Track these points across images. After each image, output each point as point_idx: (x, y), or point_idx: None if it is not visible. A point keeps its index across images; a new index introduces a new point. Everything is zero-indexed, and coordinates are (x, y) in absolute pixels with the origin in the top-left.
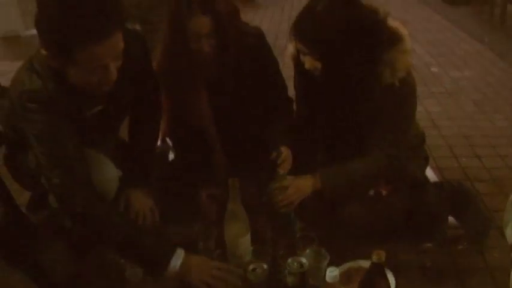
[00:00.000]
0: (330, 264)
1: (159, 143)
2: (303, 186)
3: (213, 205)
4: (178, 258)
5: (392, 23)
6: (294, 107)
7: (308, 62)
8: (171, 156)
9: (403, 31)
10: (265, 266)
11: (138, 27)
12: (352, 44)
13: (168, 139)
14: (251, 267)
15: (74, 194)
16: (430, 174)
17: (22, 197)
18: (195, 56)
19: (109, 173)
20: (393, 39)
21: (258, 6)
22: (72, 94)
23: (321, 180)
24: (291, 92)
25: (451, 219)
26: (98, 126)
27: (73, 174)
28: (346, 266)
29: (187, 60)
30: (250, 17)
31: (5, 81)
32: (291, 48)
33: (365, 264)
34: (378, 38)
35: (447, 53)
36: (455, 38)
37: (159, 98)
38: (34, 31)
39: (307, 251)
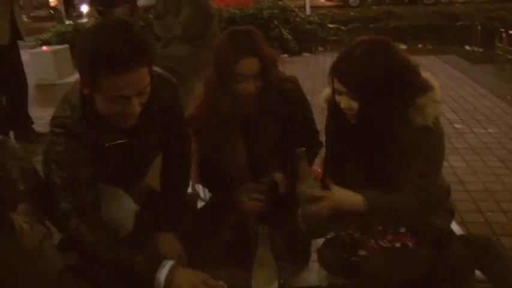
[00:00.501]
0: None
1: (189, 190)
2: (342, 199)
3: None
4: (164, 270)
5: (424, 73)
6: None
7: (344, 102)
8: (200, 204)
9: (434, 82)
10: None
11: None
12: (387, 86)
13: (197, 186)
14: None
15: (76, 221)
16: (455, 228)
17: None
18: (239, 97)
19: (125, 207)
20: (425, 87)
21: (283, 61)
22: (95, 123)
23: (366, 198)
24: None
25: (478, 273)
26: (119, 160)
27: (81, 200)
28: None
29: (232, 101)
30: None
31: (41, 127)
32: (326, 90)
33: None
34: (411, 83)
35: (470, 110)
36: (477, 95)
37: (189, 145)
38: (67, 79)
39: None
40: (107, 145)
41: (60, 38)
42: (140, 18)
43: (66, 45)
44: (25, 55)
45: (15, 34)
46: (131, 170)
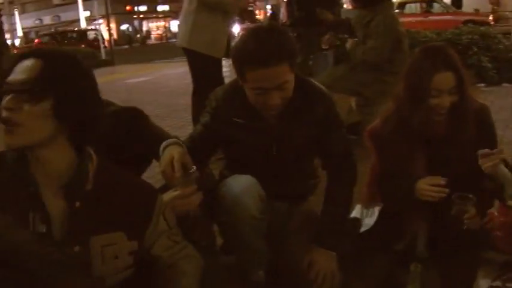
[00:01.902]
0: None
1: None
2: None
3: None
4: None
5: None
6: None
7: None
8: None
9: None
10: None
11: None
12: None
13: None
14: None
15: None
16: None
17: None
18: (430, 113)
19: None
20: None
21: (479, 91)
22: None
23: None
24: None
25: None
26: (252, 146)
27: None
28: None
29: (422, 117)
30: None
31: None
32: None
33: None
34: None
35: None
36: None
37: (350, 165)
38: None
39: None
40: (243, 122)
41: None
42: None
43: None
44: None
45: (228, 49)
46: (264, 162)
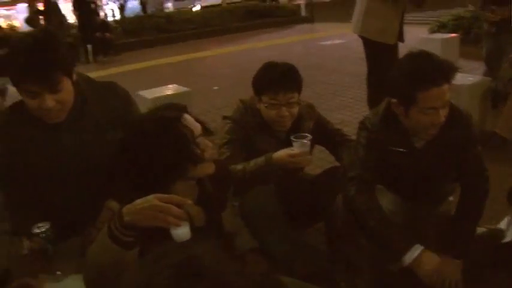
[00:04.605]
0: None
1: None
2: None
3: None
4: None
5: None
6: None
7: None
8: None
9: None
10: None
11: None
12: None
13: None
14: None
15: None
16: None
17: None
18: None
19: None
20: None
21: None
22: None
23: None
24: None
25: None
26: (400, 168)
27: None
28: None
29: None
30: None
31: None
32: None
33: None
34: None
35: None
36: None
37: (483, 179)
38: None
39: None
40: (392, 148)
41: (457, 23)
42: None
43: (456, 35)
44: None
45: (400, 35)
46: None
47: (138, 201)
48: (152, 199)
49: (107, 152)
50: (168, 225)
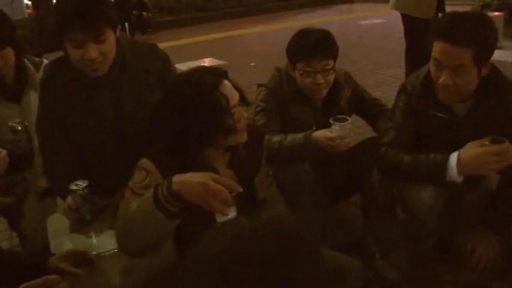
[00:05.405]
0: None
1: None
2: None
3: None
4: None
5: None
6: None
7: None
8: None
9: None
10: None
11: None
12: None
13: None
14: None
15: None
16: None
17: None
18: None
19: None
20: None
21: None
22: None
23: None
24: None
25: None
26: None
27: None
28: None
29: None
30: None
31: None
32: None
33: None
34: None
35: None
36: None
37: None
38: None
39: None
40: (432, 113)
41: (501, 2)
42: None
43: (499, 13)
44: None
45: (439, 8)
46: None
47: (191, 174)
48: (206, 177)
49: (143, 112)
50: (212, 210)
